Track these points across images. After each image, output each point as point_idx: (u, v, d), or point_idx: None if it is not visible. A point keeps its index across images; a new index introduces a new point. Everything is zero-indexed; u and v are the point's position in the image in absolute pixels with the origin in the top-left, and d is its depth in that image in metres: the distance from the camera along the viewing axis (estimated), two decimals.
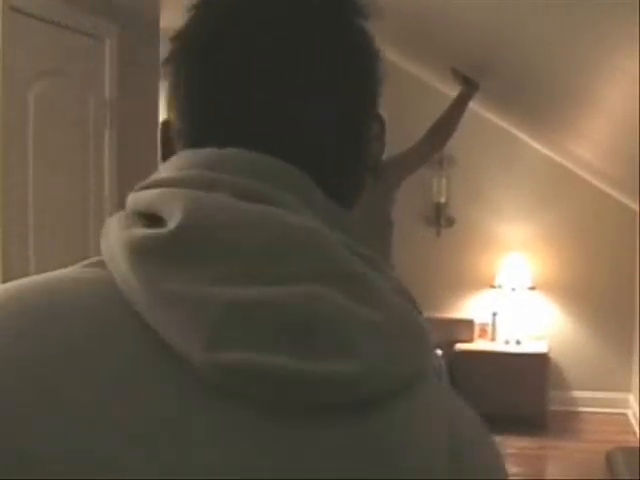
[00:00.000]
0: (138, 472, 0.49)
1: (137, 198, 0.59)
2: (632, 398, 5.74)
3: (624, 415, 5.75)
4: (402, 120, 5.54)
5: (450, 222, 6.09)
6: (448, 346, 5.67)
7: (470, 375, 5.45)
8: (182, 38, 0.64)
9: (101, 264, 0.59)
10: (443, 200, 6.07)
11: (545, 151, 5.79)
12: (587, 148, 4.63)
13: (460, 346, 5.71)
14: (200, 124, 0.63)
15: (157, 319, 0.52)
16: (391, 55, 5.80)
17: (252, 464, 0.51)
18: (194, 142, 0.62)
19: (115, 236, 0.56)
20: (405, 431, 0.55)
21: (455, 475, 0.57)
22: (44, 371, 0.51)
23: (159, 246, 0.53)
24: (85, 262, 0.62)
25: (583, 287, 5.88)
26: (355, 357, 0.52)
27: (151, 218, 0.56)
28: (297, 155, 0.60)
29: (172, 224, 0.53)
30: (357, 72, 0.65)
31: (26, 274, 2.25)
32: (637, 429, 5.37)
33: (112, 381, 0.51)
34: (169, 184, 0.57)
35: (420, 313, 0.61)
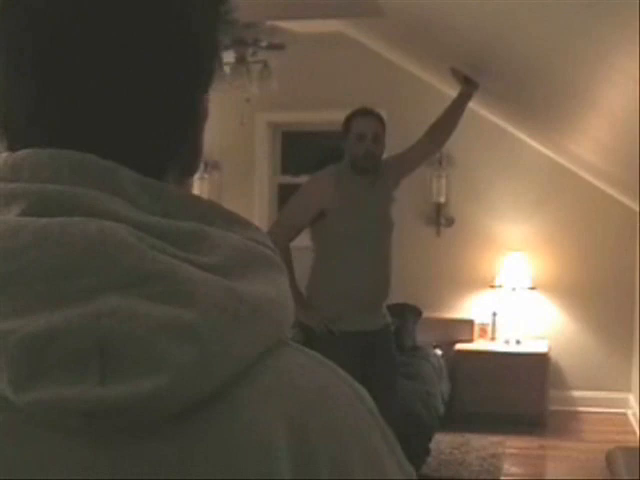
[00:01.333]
0: None
1: None
2: (632, 398, 5.74)
3: (624, 415, 5.75)
4: (402, 120, 5.54)
5: (450, 222, 6.09)
6: (448, 346, 5.67)
7: (470, 375, 5.45)
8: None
9: None
10: (443, 200, 6.07)
11: (545, 151, 5.79)
12: (587, 148, 4.63)
13: (460, 346, 5.70)
14: (9, 110, 0.59)
15: None
16: (391, 55, 5.81)
17: None
18: (6, 129, 0.60)
19: None
20: (228, 435, 0.52)
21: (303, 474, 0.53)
22: None
23: None
24: None
25: (583, 287, 5.88)
26: (156, 369, 0.50)
27: None
28: (101, 140, 0.57)
29: None
30: (165, 52, 0.58)
31: None
32: (637, 429, 5.36)
33: None
34: None
35: (279, 271, 0.58)
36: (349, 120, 3.65)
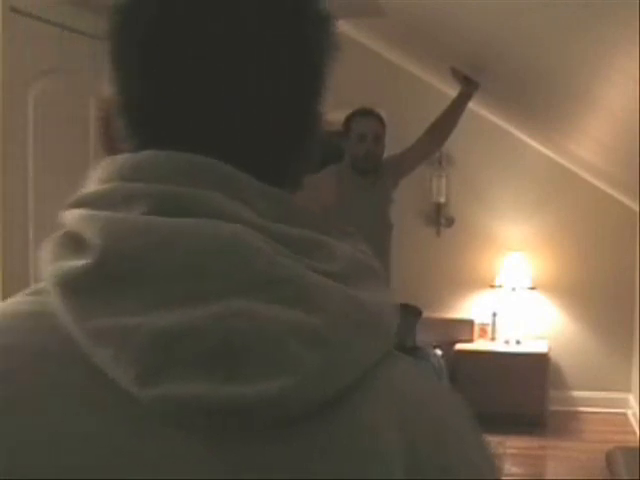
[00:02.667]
0: None
1: (66, 218, 0.60)
2: (632, 398, 5.74)
3: (624, 415, 5.75)
4: (402, 120, 5.53)
5: (450, 222, 6.09)
6: (448, 346, 5.66)
7: (470, 375, 5.45)
8: (122, 15, 0.61)
9: (43, 292, 0.58)
10: (443, 200, 6.07)
11: (545, 151, 5.79)
12: (587, 148, 4.63)
13: (460, 346, 5.70)
14: (135, 110, 0.61)
15: (93, 353, 0.52)
16: (391, 55, 5.81)
17: None
18: (133, 129, 0.61)
19: (47, 268, 0.56)
20: (348, 440, 0.53)
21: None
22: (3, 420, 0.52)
23: (84, 280, 0.53)
24: (29, 289, 0.61)
25: (583, 287, 5.88)
26: (283, 372, 0.50)
27: (78, 241, 0.56)
28: (227, 147, 0.58)
29: (92, 255, 0.53)
30: (296, 68, 0.61)
31: (26, 273, 2.27)
32: (637, 429, 5.37)
33: (61, 414, 0.52)
34: (88, 203, 0.57)
35: (383, 285, 0.60)
36: (349, 120, 3.65)
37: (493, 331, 5.84)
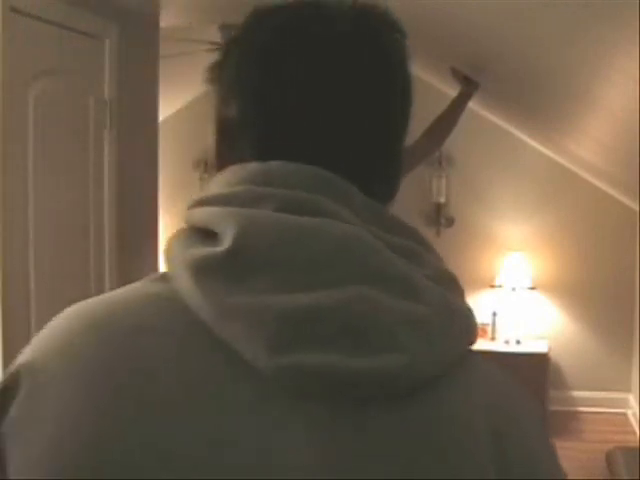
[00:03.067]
0: (222, 470, 0.57)
1: (193, 215, 0.66)
2: (632, 398, 5.74)
3: (624, 415, 5.75)
4: None
5: (450, 222, 6.08)
6: None
7: None
8: (241, 44, 0.70)
9: (164, 278, 0.65)
10: (443, 200, 6.07)
11: (545, 151, 5.79)
12: (587, 148, 4.63)
13: None
14: (248, 137, 0.69)
15: (223, 330, 0.59)
16: None
17: (321, 457, 0.58)
18: (242, 150, 0.69)
19: (178, 256, 0.64)
20: (447, 413, 0.62)
21: (499, 459, 0.63)
22: (135, 379, 0.60)
23: (218, 264, 0.60)
24: (150, 277, 0.68)
25: (583, 287, 5.88)
26: (398, 351, 0.59)
27: (207, 233, 0.63)
28: (340, 165, 0.67)
29: (227, 243, 0.60)
30: (401, 99, 0.73)
31: (26, 273, 2.26)
32: (637, 429, 5.37)
33: (191, 387, 0.59)
34: (220, 202, 0.64)
35: (462, 292, 0.71)
36: None
37: (493, 331, 5.84)
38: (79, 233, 2.67)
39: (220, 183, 0.67)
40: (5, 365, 2.21)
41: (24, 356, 0.64)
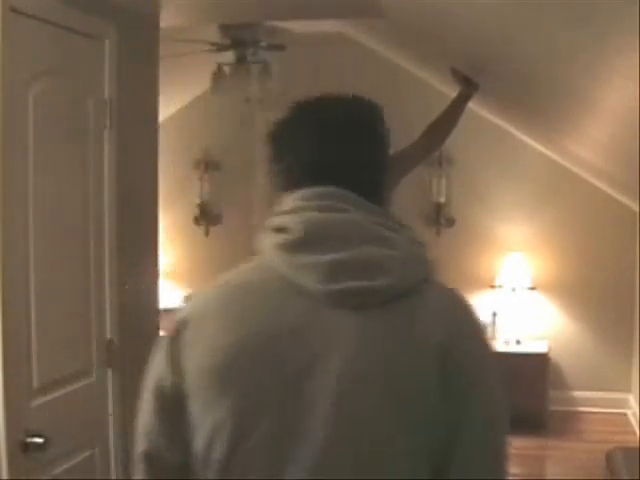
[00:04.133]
0: (296, 360, 1.18)
1: (275, 220, 1.26)
2: (632, 398, 5.74)
3: (624, 415, 5.75)
4: (402, 120, 5.53)
5: (450, 222, 6.09)
6: None
7: None
8: (293, 123, 1.37)
9: (260, 256, 1.26)
10: (443, 200, 6.07)
11: (545, 151, 5.79)
12: (587, 148, 4.63)
13: None
14: (301, 174, 1.30)
15: (295, 277, 1.19)
16: (391, 55, 5.81)
17: (355, 337, 1.17)
18: (298, 182, 1.29)
19: (267, 241, 1.25)
20: (418, 313, 1.21)
21: (448, 351, 1.19)
22: (247, 310, 1.22)
23: (291, 244, 1.21)
24: (254, 257, 1.27)
25: (583, 287, 5.88)
26: (385, 276, 1.18)
27: (280, 230, 1.23)
28: (351, 186, 1.27)
29: (298, 232, 1.21)
30: (379, 149, 1.34)
31: (26, 272, 2.26)
32: (637, 429, 5.37)
33: (277, 309, 1.21)
34: (294, 211, 1.25)
35: (424, 246, 1.29)
36: None
37: (493, 331, 5.84)
38: (79, 232, 2.67)
39: (291, 201, 1.27)
40: (5, 365, 2.21)
41: (187, 307, 1.29)
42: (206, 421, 1.19)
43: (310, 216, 1.22)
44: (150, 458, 1.28)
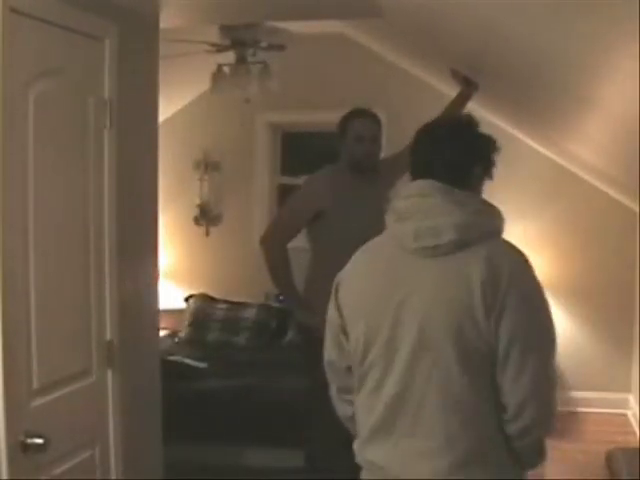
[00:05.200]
0: (398, 293, 1.92)
1: (397, 203, 2.00)
2: (632, 398, 5.74)
3: (624, 415, 5.75)
4: (402, 120, 5.53)
5: None
6: None
7: None
8: (415, 149, 2.08)
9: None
10: None
11: (545, 151, 5.79)
12: (587, 148, 4.63)
13: None
14: (416, 171, 2.03)
15: (399, 239, 1.95)
16: (391, 55, 5.81)
17: (431, 279, 1.89)
18: (413, 176, 2.03)
19: (390, 218, 2.00)
20: (471, 259, 1.85)
21: (489, 286, 1.82)
22: (373, 267, 2.04)
23: (398, 218, 1.97)
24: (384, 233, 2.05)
25: (583, 287, 5.88)
26: (447, 236, 1.87)
27: (398, 210, 1.99)
28: (442, 178, 1.95)
29: (407, 214, 1.96)
30: (465, 154, 2.04)
31: (26, 272, 2.26)
32: (637, 429, 5.36)
33: (391, 264, 1.97)
34: (408, 197, 1.98)
35: (493, 213, 1.98)
36: (345, 121, 3.63)
37: None
38: (79, 233, 2.67)
39: (408, 189, 1.99)
40: (5, 365, 2.21)
41: (340, 273, 2.11)
42: (352, 337, 2.00)
43: (410, 200, 1.96)
44: (329, 364, 2.14)
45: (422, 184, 1.95)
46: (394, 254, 1.94)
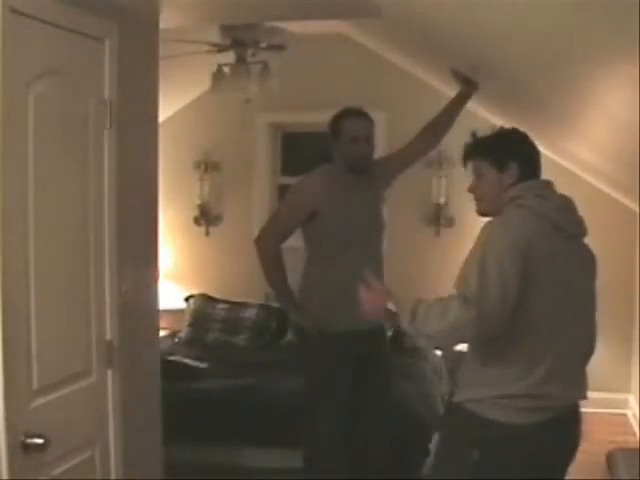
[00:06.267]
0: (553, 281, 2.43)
1: (533, 191, 2.53)
2: (632, 399, 5.73)
3: (624, 416, 5.75)
4: (402, 120, 5.53)
5: (450, 222, 6.09)
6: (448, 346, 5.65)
7: None
8: (531, 150, 2.70)
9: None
10: (443, 200, 6.07)
11: (545, 152, 5.76)
12: (587, 149, 4.63)
13: (460, 347, 5.68)
14: (526, 175, 2.60)
15: (557, 220, 2.52)
16: (391, 55, 5.81)
17: (571, 258, 2.54)
18: (530, 175, 2.58)
19: (530, 201, 2.50)
20: (584, 248, 2.62)
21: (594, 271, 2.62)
22: (525, 242, 2.46)
23: (539, 192, 2.56)
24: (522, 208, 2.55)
25: None
26: (582, 227, 2.67)
27: (541, 196, 2.54)
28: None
29: (551, 203, 2.53)
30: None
31: (26, 272, 2.26)
32: (637, 430, 5.36)
33: (550, 238, 2.47)
34: (531, 189, 2.53)
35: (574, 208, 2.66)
36: (338, 121, 3.61)
37: None
38: (79, 233, 2.67)
39: (530, 187, 2.54)
40: (5, 365, 2.21)
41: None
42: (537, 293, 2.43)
43: (547, 192, 2.54)
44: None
45: (542, 181, 2.60)
46: (541, 227, 2.50)
